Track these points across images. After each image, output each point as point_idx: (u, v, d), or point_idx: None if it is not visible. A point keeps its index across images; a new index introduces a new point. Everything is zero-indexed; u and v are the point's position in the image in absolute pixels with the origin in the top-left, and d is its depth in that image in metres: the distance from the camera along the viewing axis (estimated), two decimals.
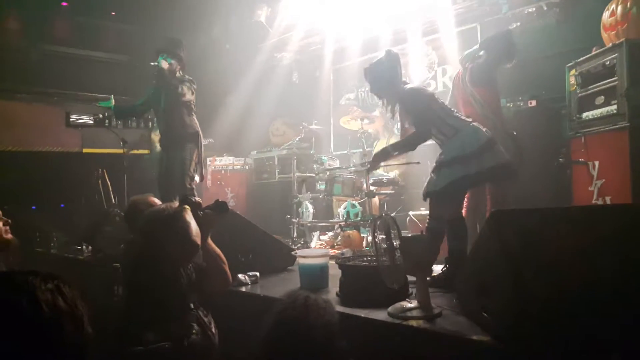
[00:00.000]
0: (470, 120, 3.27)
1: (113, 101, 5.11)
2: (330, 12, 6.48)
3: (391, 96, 3.39)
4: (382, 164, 3.80)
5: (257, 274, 3.48)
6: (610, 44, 3.75)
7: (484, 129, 3.21)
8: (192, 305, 2.55)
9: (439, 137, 3.25)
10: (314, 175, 5.84)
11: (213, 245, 2.78)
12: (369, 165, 3.66)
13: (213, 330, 2.63)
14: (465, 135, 3.12)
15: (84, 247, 5.05)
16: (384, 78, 3.35)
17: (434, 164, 3.24)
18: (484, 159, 3.03)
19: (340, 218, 5.21)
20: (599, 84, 3.81)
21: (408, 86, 3.34)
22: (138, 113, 5.42)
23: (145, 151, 7.03)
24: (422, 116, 3.21)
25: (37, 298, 1.04)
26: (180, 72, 4.86)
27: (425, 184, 3.27)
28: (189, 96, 4.78)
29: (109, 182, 6.30)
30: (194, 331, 2.47)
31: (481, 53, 4.07)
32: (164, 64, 4.65)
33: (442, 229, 3.21)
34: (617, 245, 1.99)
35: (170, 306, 2.44)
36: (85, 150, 7.36)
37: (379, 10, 6.18)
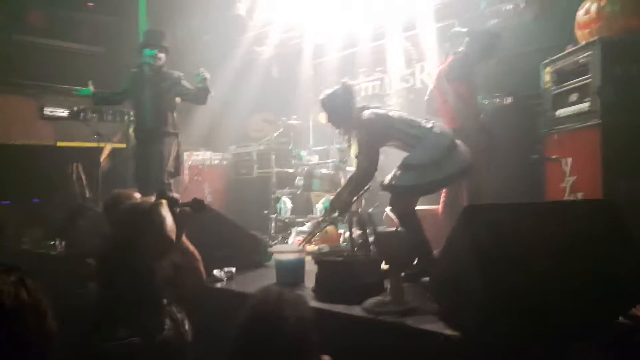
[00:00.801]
0: (431, 126, 3.33)
1: (92, 87, 5.02)
2: (311, 7, 6.46)
3: (347, 126, 3.51)
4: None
5: (233, 269, 3.46)
6: (584, 42, 3.80)
7: (448, 132, 3.34)
8: (165, 301, 2.53)
9: (404, 148, 3.38)
10: (292, 170, 5.82)
11: (187, 243, 2.76)
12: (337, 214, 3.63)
13: (186, 326, 2.60)
14: (428, 143, 3.23)
15: (57, 242, 4.96)
16: (338, 109, 3.46)
17: (401, 162, 3.33)
18: (442, 168, 3.15)
19: (319, 214, 5.21)
20: (572, 81, 3.85)
21: (365, 113, 3.37)
22: (117, 101, 5.29)
23: (122, 145, 6.91)
24: (369, 150, 3.31)
25: None
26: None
27: (389, 176, 3.34)
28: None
29: (83, 176, 6.20)
30: (166, 327, 2.45)
31: (466, 39, 4.10)
32: (158, 61, 4.67)
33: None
34: (586, 240, 2.03)
35: (143, 302, 2.40)
36: (59, 144, 7.20)
37: (359, 5, 6.17)
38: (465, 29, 4.26)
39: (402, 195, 3.30)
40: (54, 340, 1.12)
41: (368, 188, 3.50)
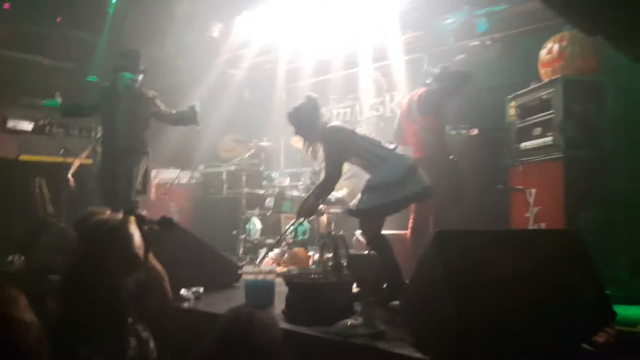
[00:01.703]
0: (394, 147, 3.45)
1: (60, 99, 4.92)
2: (285, 32, 6.55)
3: (313, 137, 3.60)
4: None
5: (201, 289, 3.42)
6: (547, 80, 4.00)
7: (408, 154, 3.50)
8: (130, 320, 2.48)
9: (367, 167, 3.47)
10: (263, 192, 5.83)
11: (154, 261, 2.72)
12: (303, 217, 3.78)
13: (151, 346, 2.55)
14: (391, 163, 3.32)
15: (15, 257, 4.78)
16: (305, 121, 3.55)
17: (364, 186, 3.42)
18: (408, 185, 3.25)
19: (288, 236, 5.20)
20: (536, 116, 4.05)
21: (329, 125, 3.53)
22: (86, 114, 5.21)
23: (89, 161, 6.76)
24: (334, 157, 3.42)
25: None
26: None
27: (354, 201, 3.44)
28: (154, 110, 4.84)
29: (46, 191, 6.02)
30: (130, 346, 2.39)
31: (437, 72, 4.25)
32: (136, 83, 4.70)
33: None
34: (551, 266, 2.11)
35: (108, 320, 2.35)
36: (22, 158, 6.98)
37: (331, 33, 6.31)
38: (437, 69, 4.38)
39: (369, 218, 3.38)
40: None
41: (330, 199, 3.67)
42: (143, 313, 2.59)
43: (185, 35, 7.26)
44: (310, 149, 3.66)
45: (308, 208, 3.59)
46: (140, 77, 4.78)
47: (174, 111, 5.03)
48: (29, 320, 1.09)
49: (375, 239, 3.34)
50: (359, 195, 3.42)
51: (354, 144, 3.42)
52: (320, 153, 3.65)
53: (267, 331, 1.67)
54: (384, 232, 4.40)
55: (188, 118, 4.91)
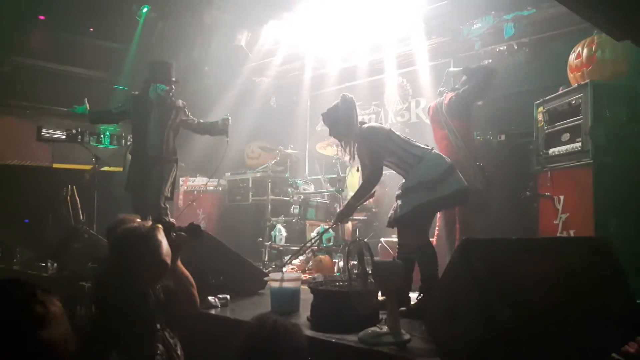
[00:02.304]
0: (430, 148, 3.42)
1: (87, 105, 5.05)
2: (310, 40, 6.61)
3: (349, 138, 3.54)
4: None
5: (228, 296, 3.46)
6: (576, 84, 3.93)
7: (444, 156, 3.39)
8: (158, 326, 2.52)
9: (403, 167, 3.39)
10: (288, 198, 5.86)
11: (182, 268, 2.77)
12: (338, 221, 3.79)
13: (179, 352, 2.59)
14: (429, 162, 3.26)
15: (48, 264, 4.92)
16: (340, 122, 3.50)
17: (399, 191, 3.35)
18: (448, 184, 3.18)
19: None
20: (565, 121, 3.97)
21: (365, 126, 3.51)
22: (114, 120, 5.32)
23: (118, 168, 6.94)
24: (375, 155, 3.38)
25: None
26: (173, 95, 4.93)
27: (392, 211, 3.37)
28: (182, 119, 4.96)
29: (78, 199, 6.18)
30: (158, 352, 2.44)
31: (463, 78, 4.23)
32: (168, 94, 4.81)
33: (412, 257, 3.27)
34: (580, 274, 2.08)
35: (136, 327, 2.40)
36: (55, 166, 7.21)
37: (357, 40, 6.33)
38: (459, 68, 4.39)
39: (412, 223, 3.24)
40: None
41: (373, 194, 3.58)
42: (171, 320, 2.64)
43: (213, 44, 7.39)
44: (347, 149, 3.58)
45: (346, 208, 3.56)
46: (168, 88, 4.86)
47: (201, 120, 5.15)
48: (64, 325, 1.13)
49: (422, 248, 3.23)
50: (397, 203, 3.33)
51: (392, 143, 3.37)
52: (356, 156, 3.60)
53: (291, 339, 1.68)
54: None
55: (219, 129, 5.02)
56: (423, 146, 3.40)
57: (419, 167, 3.26)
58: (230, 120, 5.02)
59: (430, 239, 4.11)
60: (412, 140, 3.45)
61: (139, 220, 3.23)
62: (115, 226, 3.25)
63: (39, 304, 1.08)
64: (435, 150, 3.41)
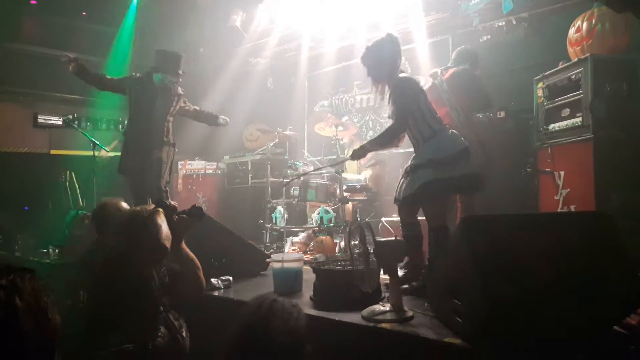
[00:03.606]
0: (449, 127, 3.27)
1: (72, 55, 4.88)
2: (306, 19, 6.53)
3: (388, 82, 3.24)
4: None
5: (230, 278, 3.47)
6: (576, 59, 3.90)
7: (462, 138, 3.21)
8: (161, 309, 2.54)
9: (415, 136, 3.19)
10: (287, 181, 5.85)
11: (187, 250, 2.77)
12: (350, 158, 3.54)
13: (183, 334, 2.61)
14: (443, 139, 3.09)
15: (50, 250, 4.93)
16: (386, 62, 3.20)
17: (407, 168, 3.21)
18: (458, 166, 3.01)
19: (314, 223, 5.24)
20: (565, 96, 3.95)
21: (402, 75, 3.25)
22: (100, 84, 4.96)
23: (117, 153, 6.90)
24: (403, 108, 3.11)
25: None
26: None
27: (398, 188, 3.26)
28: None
29: (76, 185, 6.17)
30: (160, 334, 2.45)
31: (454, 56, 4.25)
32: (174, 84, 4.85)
33: (418, 235, 3.21)
34: (581, 248, 2.08)
35: (137, 309, 2.42)
36: (53, 152, 7.18)
37: (354, 18, 6.26)
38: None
39: (421, 200, 3.07)
40: (58, 335, 1.10)
41: (396, 144, 3.38)
42: (177, 302, 2.65)
43: (207, 25, 7.31)
44: (381, 95, 3.29)
45: (360, 150, 3.34)
46: (173, 79, 4.87)
47: (197, 108, 5.23)
48: (53, 316, 1.10)
49: (437, 231, 3.05)
50: (404, 179, 3.18)
51: (420, 103, 3.15)
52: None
53: (288, 319, 1.67)
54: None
55: (215, 123, 5.29)
56: (443, 123, 3.23)
57: (431, 142, 3.09)
58: (228, 121, 5.29)
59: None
60: (435, 112, 3.24)
61: (123, 203, 3.25)
62: (99, 210, 3.28)
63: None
64: (453, 131, 3.22)
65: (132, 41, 7.54)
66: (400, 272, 3.19)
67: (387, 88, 3.26)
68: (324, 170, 5.16)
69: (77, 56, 4.91)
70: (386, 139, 3.28)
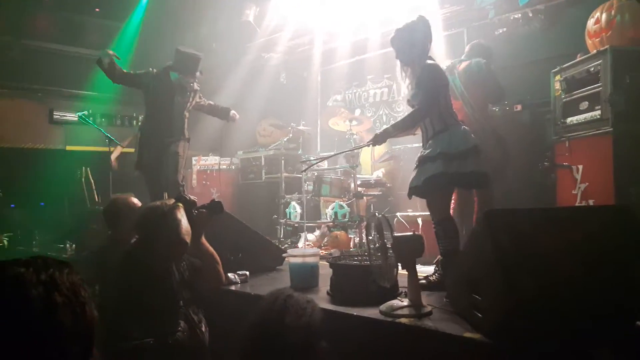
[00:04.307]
0: (462, 123, 3.23)
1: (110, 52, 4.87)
2: (320, 14, 6.50)
3: (414, 66, 3.16)
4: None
5: (247, 273, 3.49)
6: (595, 51, 3.84)
7: (472, 136, 3.16)
8: (181, 303, 2.55)
9: (427, 128, 3.15)
10: (301, 175, 5.85)
11: (207, 244, 2.79)
12: (371, 143, 3.38)
13: (203, 328, 2.63)
14: (455, 134, 3.05)
15: (67, 245, 4.99)
16: (417, 45, 3.14)
17: (417, 162, 3.17)
18: (468, 162, 2.96)
19: (328, 219, 5.24)
20: (583, 89, 3.89)
21: (431, 61, 3.18)
22: (122, 79, 4.91)
23: (131, 150, 6.96)
24: (432, 93, 3.05)
25: (29, 296, 0.99)
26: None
27: (411, 180, 3.20)
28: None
29: (92, 180, 6.23)
30: (179, 328, 2.47)
31: (467, 49, 4.21)
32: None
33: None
34: (603, 242, 2.05)
35: (157, 303, 2.44)
36: (68, 148, 7.25)
37: (368, 12, 6.22)
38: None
39: (430, 193, 3.05)
40: (94, 329, 1.11)
41: (413, 131, 3.34)
42: (197, 296, 2.67)
43: (220, 20, 7.31)
44: (407, 80, 3.23)
45: (383, 133, 3.23)
46: (190, 79, 4.92)
47: (212, 102, 5.30)
48: (91, 310, 1.10)
49: (442, 223, 3.03)
50: (413, 174, 3.14)
51: (444, 88, 3.11)
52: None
53: (302, 315, 1.67)
54: (419, 213, 4.35)
55: (227, 117, 5.36)
56: (457, 119, 3.18)
57: (441, 136, 3.04)
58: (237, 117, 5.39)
59: None
60: (451, 107, 3.19)
61: (134, 199, 3.27)
62: (110, 206, 3.30)
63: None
64: (466, 127, 3.17)
65: (137, 35, 7.55)
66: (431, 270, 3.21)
67: (413, 72, 3.19)
68: (342, 156, 5.14)
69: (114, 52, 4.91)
70: (409, 124, 3.20)
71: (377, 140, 3.25)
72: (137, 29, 7.62)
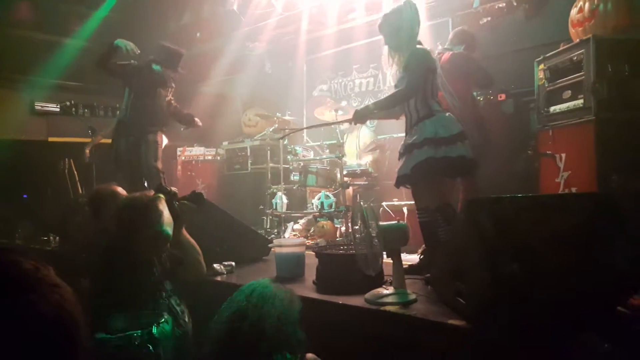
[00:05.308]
0: (446, 110, 3.20)
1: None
2: (305, 2, 6.45)
3: (401, 52, 3.14)
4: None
5: (233, 263, 3.47)
6: (578, 40, 3.86)
7: (458, 122, 3.14)
8: (163, 294, 2.54)
9: (412, 113, 3.11)
10: (288, 166, 5.84)
11: (187, 236, 2.78)
12: (352, 120, 3.30)
13: (186, 319, 2.62)
14: (440, 120, 3.02)
15: (50, 238, 4.93)
16: (405, 28, 3.10)
17: (401, 150, 3.15)
18: (455, 147, 2.95)
19: (315, 209, 5.24)
20: (566, 78, 3.91)
21: (422, 47, 3.17)
22: (110, 68, 4.86)
23: (108, 140, 6.86)
24: (418, 76, 3.02)
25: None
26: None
27: (398, 169, 3.17)
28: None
29: (75, 172, 6.14)
30: (163, 319, 2.46)
31: (450, 37, 4.21)
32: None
33: (433, 219, 3.10)
34: (585, 229, 2.08)
35: (140, 294, 2.42)
36: (51, 139, 7.13)
37: (352, 1, 6.19)
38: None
39: (421, 180, 3.02)
40: (78, 325, 1.10)
41: (396, 116, 3.31)
42: (178, 287, 2.66)
43: (204, 8, 7.22)
44: (393, 66, 3.20)
45: (363, 110, 3.18)
46: (169, 71, 4.96)
47: (177, 105, 5.29)
48: (64, 285, 1.08)
49: (440, 209, 2.97)
50: (400, 163, 3.12)
51: (433, 73, 3.08)
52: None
53: (277, 306, 1.67)
54: (405, 202, 4.36)
55: (187, 123, 5.29)
56: (442, 107, 3.15)
57: (426, 123, 3.00)
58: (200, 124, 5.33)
59: None
60: (437, 95, 3.16)
61: (118, 188, 3.24)
62: (94, 195, 3.27)
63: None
64: (451, 114, 3.16)
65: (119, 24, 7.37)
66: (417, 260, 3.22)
67: (401, 58, 3.16)
68: (327, 147, 5.13)
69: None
70: (390, 103, 3.18)
71: (357, 116, 3.18)
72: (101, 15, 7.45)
